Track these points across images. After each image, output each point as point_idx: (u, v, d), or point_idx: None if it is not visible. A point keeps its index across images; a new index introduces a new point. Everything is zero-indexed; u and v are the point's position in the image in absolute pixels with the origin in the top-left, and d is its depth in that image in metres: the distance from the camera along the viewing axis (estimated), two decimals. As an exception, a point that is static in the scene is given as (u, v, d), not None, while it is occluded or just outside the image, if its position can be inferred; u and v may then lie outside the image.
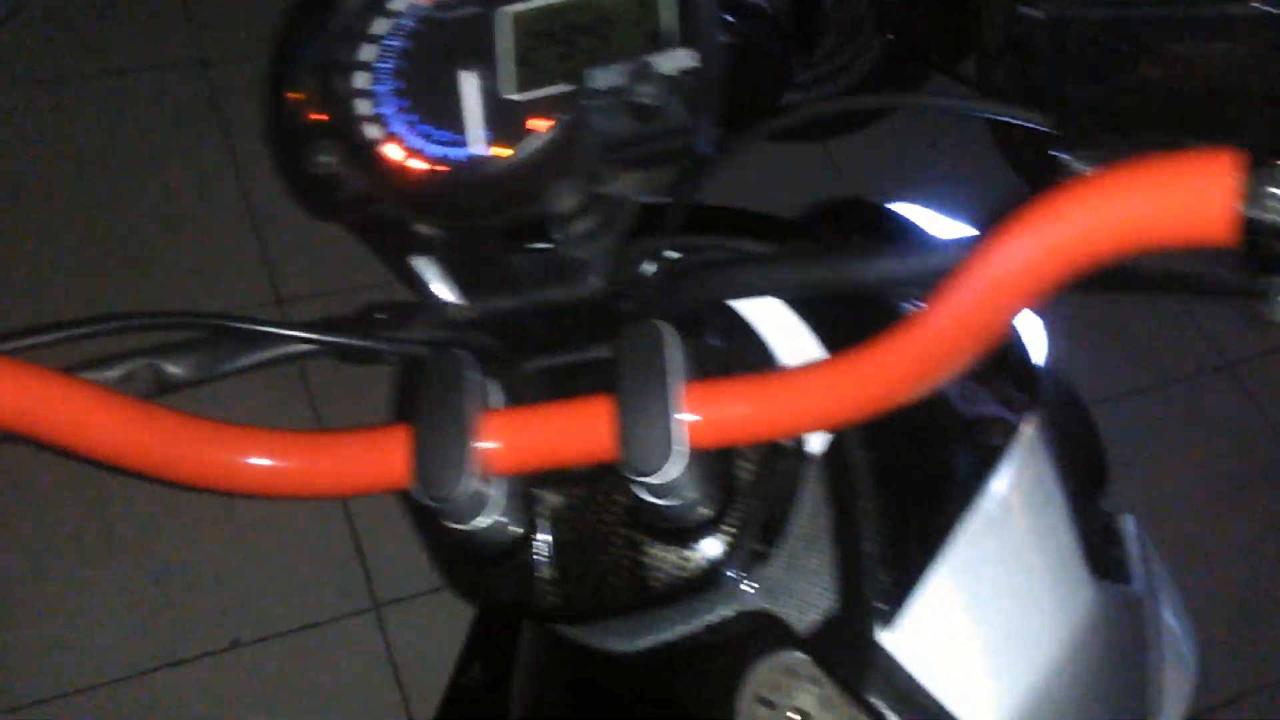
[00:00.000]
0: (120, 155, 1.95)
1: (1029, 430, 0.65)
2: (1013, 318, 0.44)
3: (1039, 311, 0.82)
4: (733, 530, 0.53)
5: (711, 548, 0.53)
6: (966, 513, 0.59)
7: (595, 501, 0.55)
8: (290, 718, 1.55)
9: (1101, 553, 0.76)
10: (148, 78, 2.06)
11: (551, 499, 0.55)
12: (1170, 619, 0.87)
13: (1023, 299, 0.42)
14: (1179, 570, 1.77)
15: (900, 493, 0.59)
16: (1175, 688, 0.84)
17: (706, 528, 0.53)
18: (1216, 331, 2.24)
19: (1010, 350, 0.74)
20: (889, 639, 0.55)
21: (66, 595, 1.56)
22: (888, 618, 0.55)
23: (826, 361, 0.48)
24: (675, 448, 0.46)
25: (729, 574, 0.54)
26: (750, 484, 0.54)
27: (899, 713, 0.54)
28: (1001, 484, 0.62)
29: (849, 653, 0.55)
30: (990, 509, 0.60)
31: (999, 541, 0.61)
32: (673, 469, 0.46)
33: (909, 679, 0.55)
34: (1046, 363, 0.79)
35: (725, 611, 0.58)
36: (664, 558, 0.53)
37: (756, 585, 0.58)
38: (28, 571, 1.56)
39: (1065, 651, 0.62)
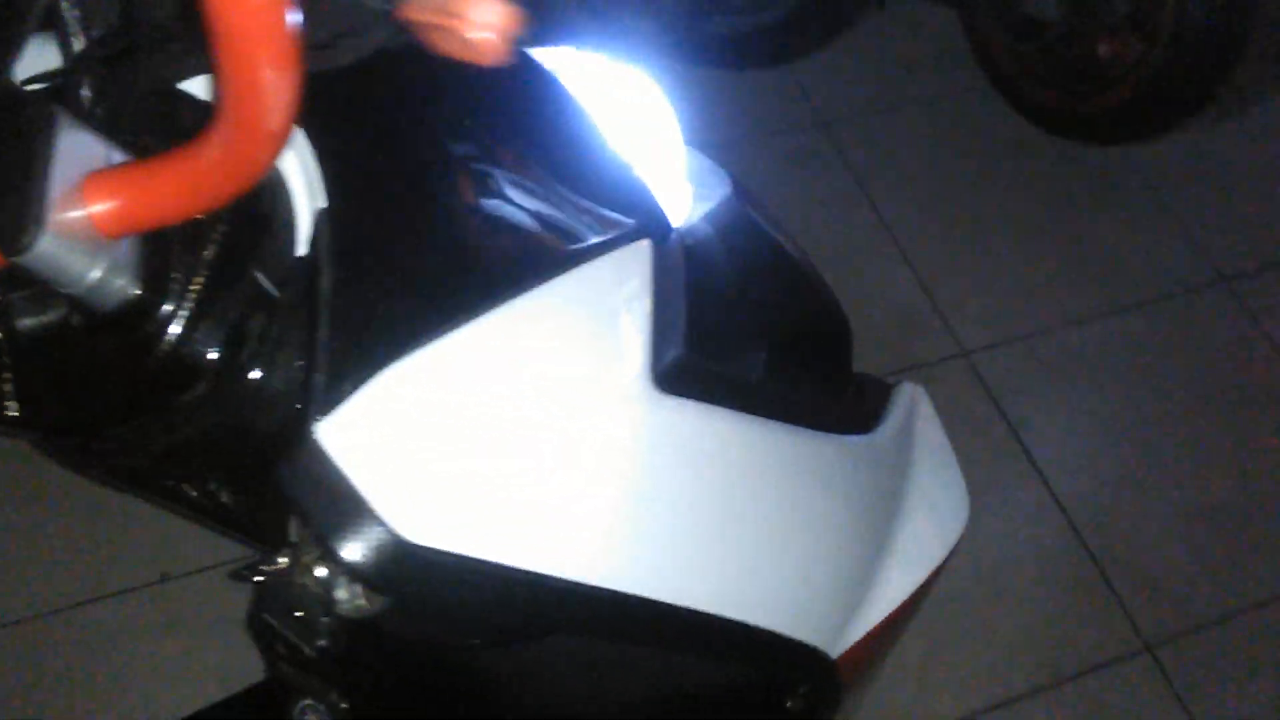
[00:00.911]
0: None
1: (632, 251, 0.62)
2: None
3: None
4: (186, 310, 0.51)
5: (169, 329, 0.52)
6: (479, 312, 0.55)
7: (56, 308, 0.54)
8: (218, 649, 1.56)
9: (826, 405, 0.78)
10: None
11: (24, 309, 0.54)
12: (927, 478, 0.86)
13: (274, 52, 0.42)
14: (1170, 483, 1.69)
15: (382, 287, 0.55)
16: (917, 538, 0.83)
17: (152, 312, 0.51)
18: (1212, 245, 2.13)
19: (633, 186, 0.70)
20: (325, 428, 0.52)
21: None
22: (327, 407, 0.52)
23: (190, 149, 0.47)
24: (33, 227, 0.45)
25: (208, 357, 0.52)
26: (211, 263, 0.52)
27: (315, 501, 0.51)
28: (545, 299, 0.58)
29: (292, 440, 0.52)
30: (515, 316, 0.56)
31: (513, 349, 0.57)
32: (37, 247, 0.45)
33: (334, 470, 0.51)
34: (722, 210, 0.79)
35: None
36: (122, 352, 0.53)
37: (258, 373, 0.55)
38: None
39: (609, 469, 0.59)
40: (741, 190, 0.82)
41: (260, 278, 0.55)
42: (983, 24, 2.22)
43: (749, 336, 0.76)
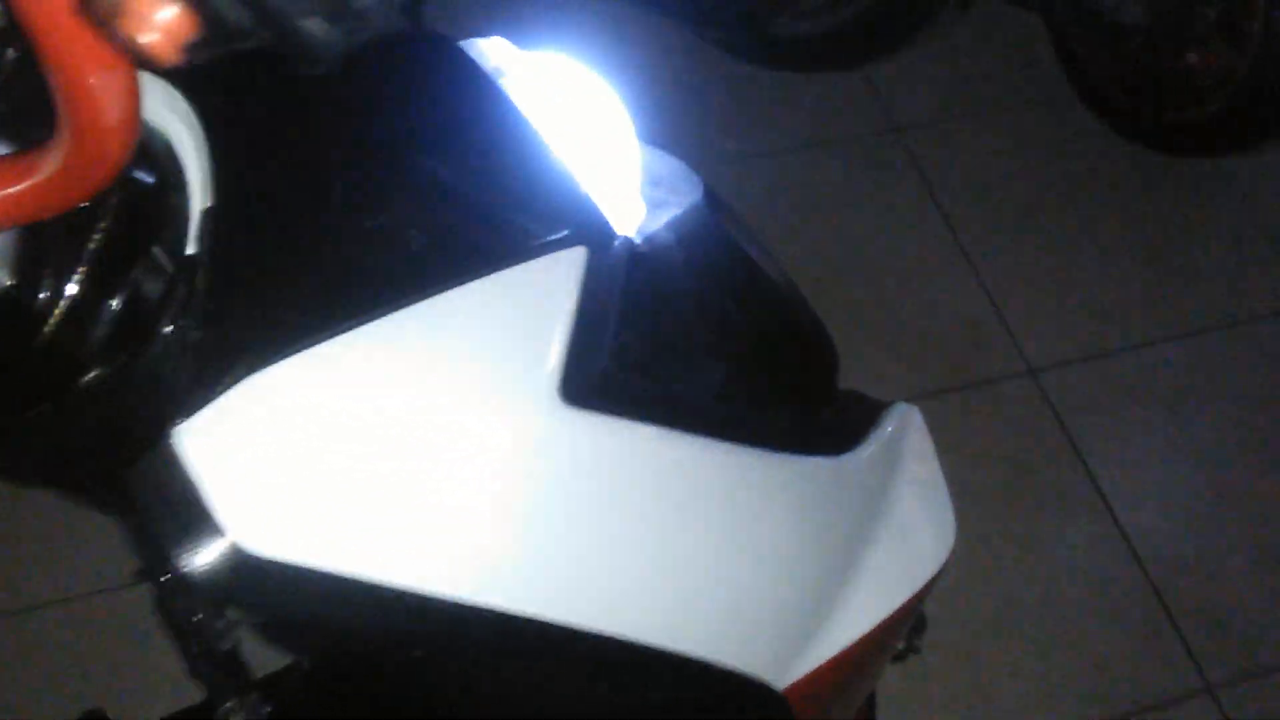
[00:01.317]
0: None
1: (560, 259, 0.59)
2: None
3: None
4: (64, 301, 0.52)
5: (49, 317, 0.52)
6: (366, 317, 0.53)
7: None
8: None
9: (791, 424, 0.74)
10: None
11: None
12: (907, 504, 0.82)
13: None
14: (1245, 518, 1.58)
15: (260, 290, 0.54)
16: (889, 566, 0.79)
17: (28, 303, 0.51)
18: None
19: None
20: (182, 431, 0.50)
21: (53, 514, 1.65)
22: (188, 410, 0.50)
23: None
24: None
25: (97, 344, 0.52)
26: (94, 254, 0.52)
27: (156, 505, 0.50)
28: (443, 306, 0.55)
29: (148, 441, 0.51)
30: (404, 323, 0.54)
31: (408, 353, 0.55)
32: None
33: (182, 474, 0.50)
34: (688, 218, 0.75)
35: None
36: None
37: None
38: (8, 491, 1.66)
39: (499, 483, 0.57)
40: (714, 198, 0.79)
41: (160, 259, 0.55)
42: (1067, 29, 2.13)
43: (703, 351, 0.73)
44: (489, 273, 0.57)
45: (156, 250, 0.55)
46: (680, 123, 2.09)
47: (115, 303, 0.53)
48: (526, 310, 0.58)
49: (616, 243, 0.66)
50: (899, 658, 1.01)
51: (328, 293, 0.54)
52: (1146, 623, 1.65)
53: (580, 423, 0.58)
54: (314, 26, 0.40)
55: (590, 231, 0.62)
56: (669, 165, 0.79)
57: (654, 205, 0.76)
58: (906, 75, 2.27)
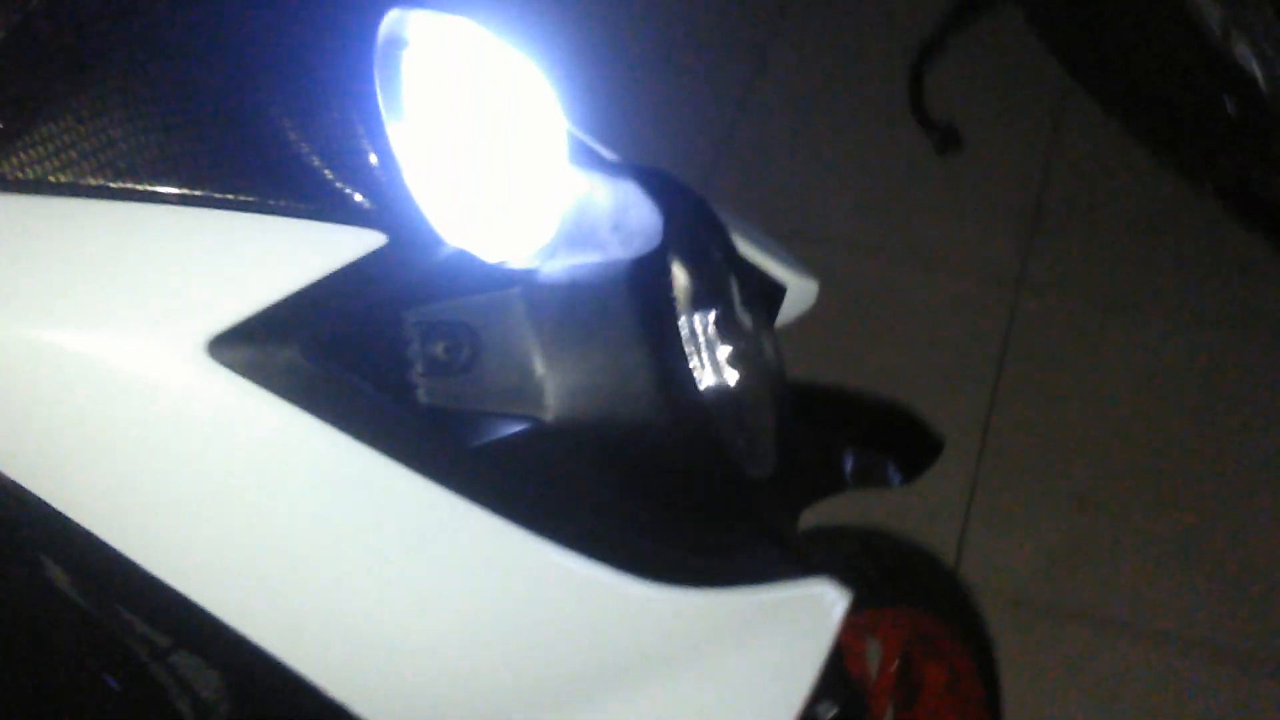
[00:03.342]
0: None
1: (341, 233, 0.53)
2: None
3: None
4: None
5: None
6: None
7: None
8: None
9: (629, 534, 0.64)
10: None
11: None
12: (743, 677, 0.71)
13: None
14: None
15: None
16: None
17: None
18: None
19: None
20: None
21: None
22: None
23: None
24: None
25: None
26: None
27: None
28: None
29: None
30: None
31: None
32: None
33: None
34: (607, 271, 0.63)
35: None
36: None
37: None
38: None
39: None
40: (674, 250, 0.66)
41: None
42: None
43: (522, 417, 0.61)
44: (241, 205, 0.52)
45: None
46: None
47: None
48: (243, 263, 0.52)
49: (442, 250, 0.56)
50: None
51: None
52: None
53: (218, 382, 0.51)
54: None
55: (397, 221, 0.54)
56: (627, 193, 0.66)
57: (588, 244, 0.64)
58: None
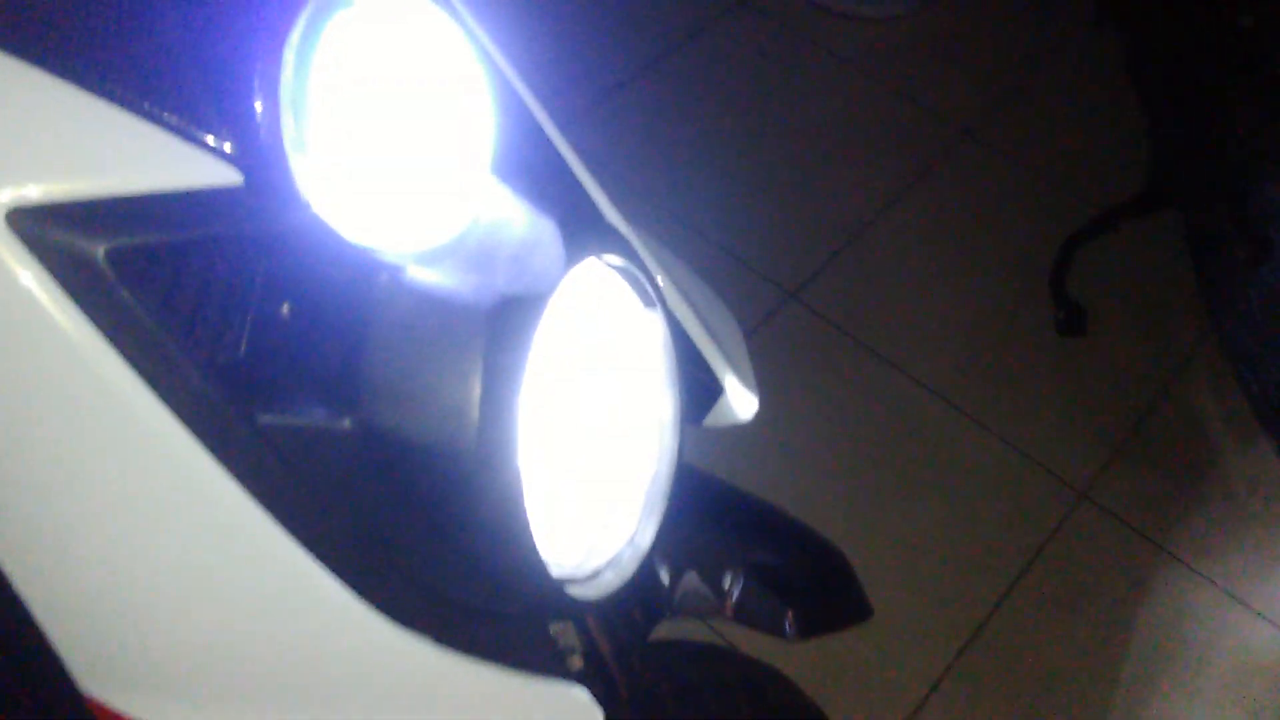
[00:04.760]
0: None
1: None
2: None
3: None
4: None
5: None
6: None
7: None
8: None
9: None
10: None
11: None
12: None
13: None
14: None
15: None
16: None
17: None
18: None
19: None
20: None
21: None
22: None
23: None
24: None
25: None
26: None
27: None
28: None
29: None
30: None
31: None
32: None
33: None
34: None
35: None
36: None
37: None
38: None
39: None
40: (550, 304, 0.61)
41: None
42: None
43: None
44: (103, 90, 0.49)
45: None
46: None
47: None
48: (81, 145, 0.49)
49: (303, 213, 0.52)
50: None
51: None
52: None
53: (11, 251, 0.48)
54: None
55: (260, 172, 0.51)
56: (549, 252, 0.62)
57: (478, 263, 0.60)
58: None
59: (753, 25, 2.50)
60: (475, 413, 0.56)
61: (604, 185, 0.74)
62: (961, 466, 1.91)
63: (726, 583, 0.87)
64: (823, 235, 2.17)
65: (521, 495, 0.57)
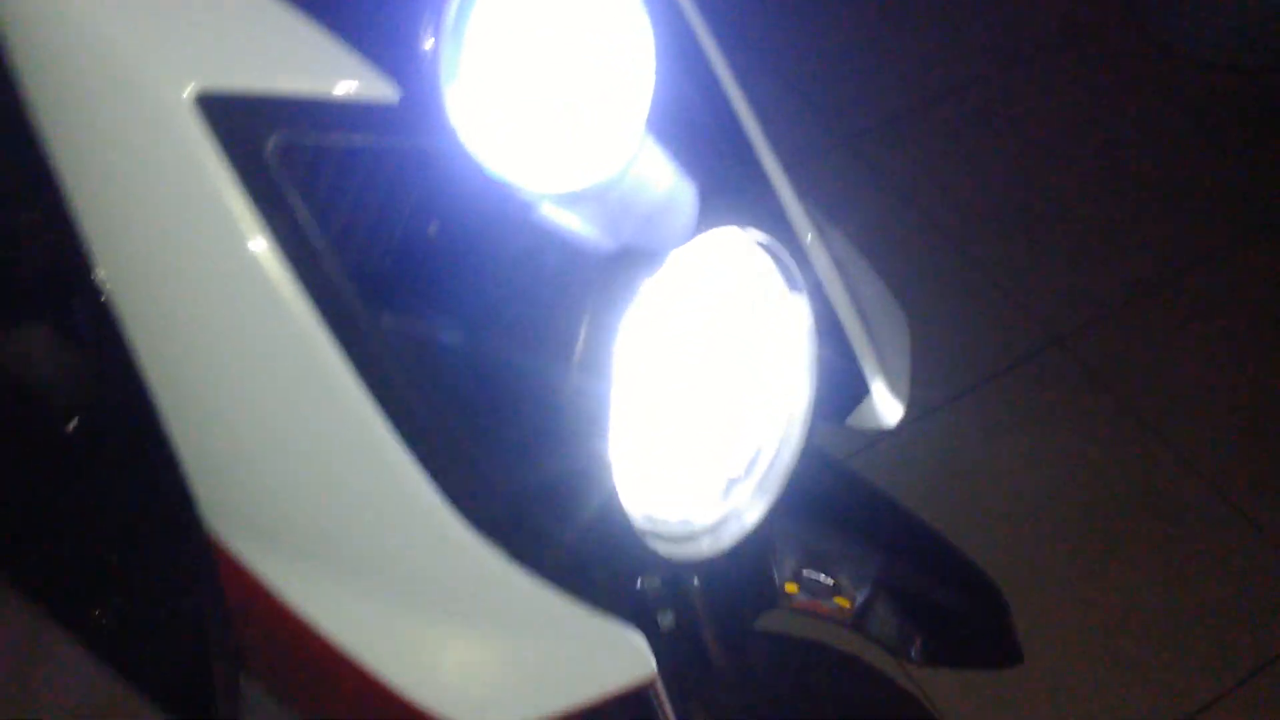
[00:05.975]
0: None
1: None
2: None
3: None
4: None
5: None
6: None
7: None
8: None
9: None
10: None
11: None
12: None
13: None
14: None
15: None
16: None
17: None
18: None
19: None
20: None
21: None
22: None
23: None
24: None
25: None
26: None
27: None
28: None
29: None
30: None
31: None
32: None
33: None
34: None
35: None
36: None
37: None
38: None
39: None
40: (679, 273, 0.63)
41: None
42: None
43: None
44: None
45: None
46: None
47: None
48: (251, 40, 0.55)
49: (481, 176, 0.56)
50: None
51: None
52: None
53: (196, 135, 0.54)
54: None
55: (417, 99, 0.55)
56: (679, 216, 0.63)
57: (614, 212, 0.62)
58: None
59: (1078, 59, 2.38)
60: (576, 350, 0.59)
61: (793, 166, 0.74)
62: (1214, 558, 1.75)
63: (854, 590, 0.86)
64: (1108, 284, 2.04)
65: (606, 436, 0.60)
